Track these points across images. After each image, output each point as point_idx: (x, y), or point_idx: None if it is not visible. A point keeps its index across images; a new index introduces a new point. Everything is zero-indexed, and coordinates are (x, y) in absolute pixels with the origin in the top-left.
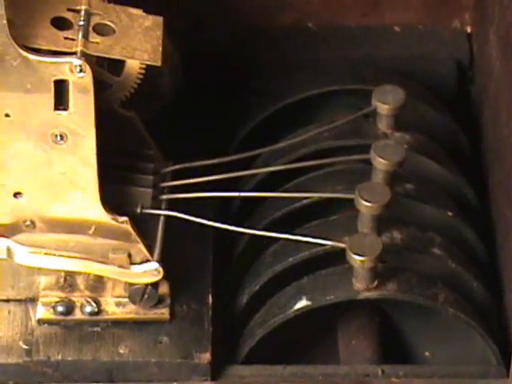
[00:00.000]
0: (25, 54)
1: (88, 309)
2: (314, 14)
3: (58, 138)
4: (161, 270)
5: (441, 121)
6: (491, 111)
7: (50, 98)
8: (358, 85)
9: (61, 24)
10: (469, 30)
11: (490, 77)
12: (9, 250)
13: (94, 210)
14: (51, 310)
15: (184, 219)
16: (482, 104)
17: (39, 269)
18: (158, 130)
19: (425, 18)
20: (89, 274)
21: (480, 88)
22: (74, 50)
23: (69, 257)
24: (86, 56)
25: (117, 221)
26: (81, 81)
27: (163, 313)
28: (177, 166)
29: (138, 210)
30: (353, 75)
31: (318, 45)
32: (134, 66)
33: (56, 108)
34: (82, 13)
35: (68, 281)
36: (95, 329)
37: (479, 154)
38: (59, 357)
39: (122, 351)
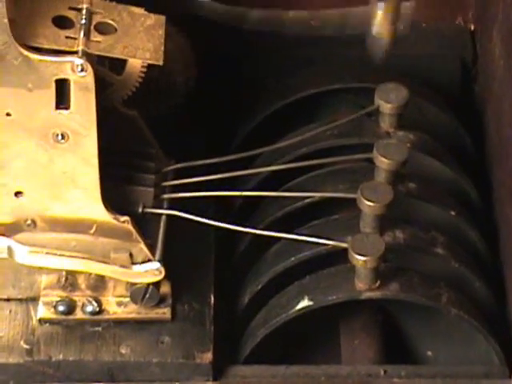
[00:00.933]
0: (26, 53)
1: (89, 308)
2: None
3: (59, 137)
4: (162, 269)
5: (444, 119)
6: (494, 110)
7: (51, 97)
8: (361, 83)
9: (62, 23)
10: (472, 27)
11: (494, 75)
12: (10, 249)
13: (95, 210)
14: (52, 310)
15: (185, 218)
16: (485, 103)
17: (40, 268)
18: (160, 128)
19: (428, 15)
20: (90, 274)
21: (483, 86)
22: (75, 49)
23: (70, 256)
24: (87, 55)
25: (118, 220)
26: (82, 80)
27: (165, 312)
28: (178, 165)
29: (140, 210)
30: (355, 73)
31: (321, 42)
32: (135, 64)
33: (57, 107)
34: (84, 11)
35: (69, 280)
36: (96, 328)
37: (482, 153)
38: (60, 356)
39: (123, 351)
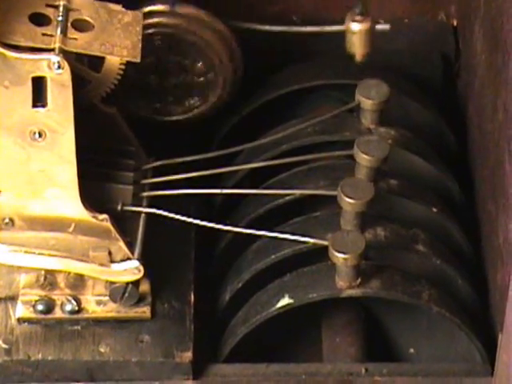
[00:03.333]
0: (2, 50)
1: (68, 307)
2: (298, 7)
3: (37, 135)
4: (141, 268)
5: (426, 116)
6: (476, 106)
7: (28, 94)
8: (343, 79)
9: (39, 20)
10: (455, 23)
11: (475, 71)
12: None
13: (73, 208)
14: (31, 309)
15: (165, 216)
16: (467, 98)
17: (19, 267)
18: (140, 126)
19: (410, 10)
20: (69, 273)
21: (465, 82)
22: (52, 47)
23: (49, 255)
24: (64, 52)
25: (97, 218)
26: (59, 77)
27: (144, 311)
28: (158, 163)
29: (119, 208)
30: (337, 69)
31: (302, 38)
32: (113, 62)
33: (34, 105)
34: (61, 8)
35: (48, 279)
36: (75, 327)
37: (465, 149)
38: (39, 356)
39: (102, 350)
